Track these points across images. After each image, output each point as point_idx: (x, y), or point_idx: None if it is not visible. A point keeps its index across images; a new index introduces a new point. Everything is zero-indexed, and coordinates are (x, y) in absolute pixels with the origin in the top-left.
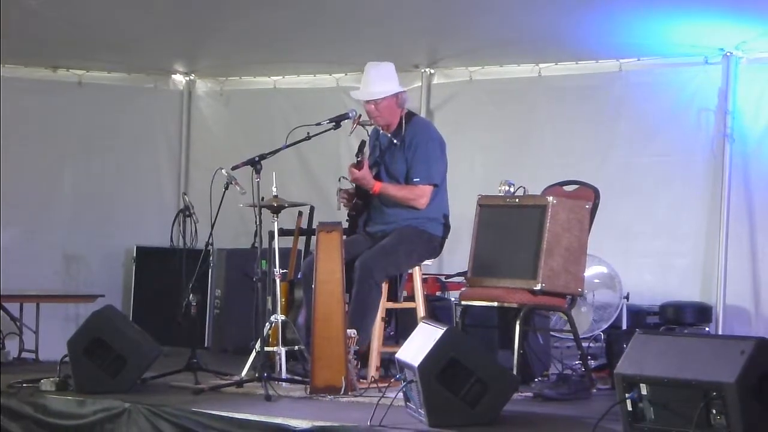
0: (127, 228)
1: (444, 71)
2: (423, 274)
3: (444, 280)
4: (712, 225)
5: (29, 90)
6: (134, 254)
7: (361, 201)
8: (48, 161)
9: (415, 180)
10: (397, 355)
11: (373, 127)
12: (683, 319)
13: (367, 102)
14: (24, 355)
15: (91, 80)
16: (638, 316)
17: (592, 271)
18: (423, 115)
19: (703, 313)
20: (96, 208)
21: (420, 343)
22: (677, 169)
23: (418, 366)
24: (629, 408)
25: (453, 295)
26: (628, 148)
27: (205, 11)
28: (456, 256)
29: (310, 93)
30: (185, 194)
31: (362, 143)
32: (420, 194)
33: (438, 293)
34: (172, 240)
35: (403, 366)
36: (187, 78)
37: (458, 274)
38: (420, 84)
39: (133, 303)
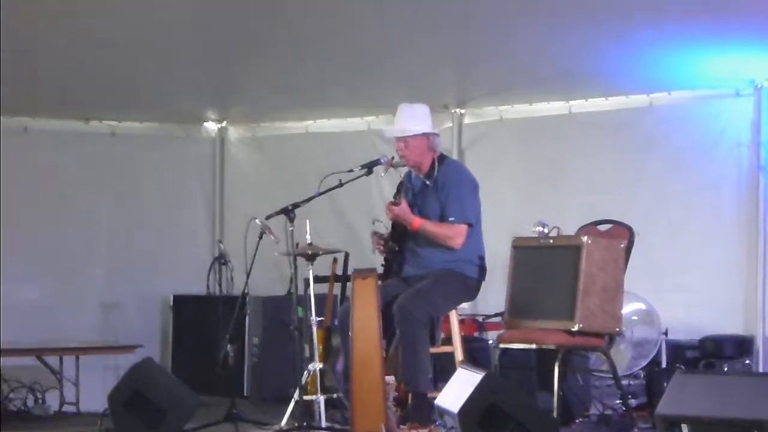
0: (163, 276)
1: (474, 111)
2: (459, 315)
3: (481, 321)
4: (748, 257)
5: (63, 142)
6: (171, 303)
7: (395, 244)
8: (83, 212)
9: (450, 219)
10: (436, 401)
11: (406, 169)
12: (723, 352)
13: (398, 140)
14: (65, 408)
15: (124, 131)
16: (677, 351)
17: (629, 308)
18: (455, 154)
19: (743, 345)
20: (132, 258)
21: (459, 389)
22: (709, 201)
23: (458, 412)
24: None
25: (490, 336)
26: (659, 182)
27: (234, 58)
28: (490, 295)
29: (342, 136)
30: (220, 242)
31: (400, 184)
32: (457, 233)
33: (476, 334)
34: (208, 288)
35: (442, 412)
36: (219, 125)
37: (495, 315)
38: (451, 124)
39: (172, 351)
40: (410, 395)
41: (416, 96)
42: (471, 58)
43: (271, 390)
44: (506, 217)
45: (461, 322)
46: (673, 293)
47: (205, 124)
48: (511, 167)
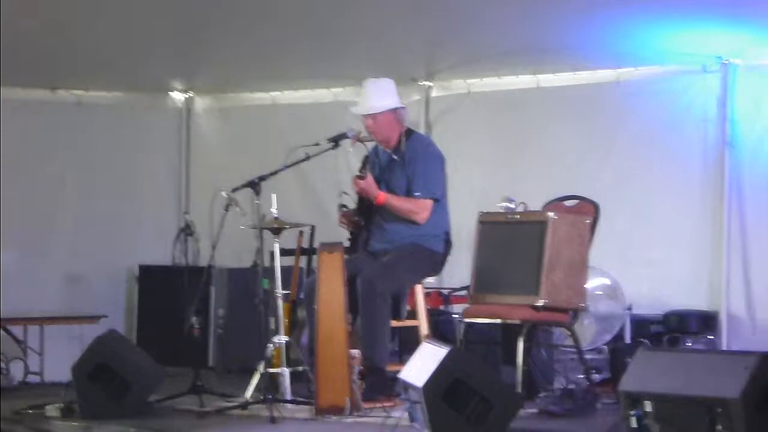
0: (128, 247)
1: (442, 84)
2: (425, 288)
3: (447, 294)
4: (712, 233)
5: (29, 111)
6: (136, 273)
7: (362, 219)
8: (48, 181)
9: (416, 194)
10: (400, 375)
11: (373, 143)
12: (687, 328)
13: (366, 116)
14: (29, 378)
15: (90, 100)
16: (642, 325)
17: (594, 282)
18: (422, 127)
19: (707, 321)
20: (98, 228)
21: (423, 363)
22: (675, 177)
23: (423, 387)
24: (634, 425)
25: (456, 308)
26: (625, 157)
27: (201, 28)
28: (456, 268)
29: (308, 108)
30: (186, 213)
31: (365, 158)
32: (422, 207)
33: (441, 307)
34: (174, 258)
35: (407, 386)
36: (186, 95)
37: (461, 288)
38: (419, 97)
39: (137, 321)
40: (367, 368)
41: (384, 68)
42: (439, 31)
43: (236, 361)
44: (473, 190)
45: (427, 295)
46: (638, 268)
47: (171, 94)
48: (479, 140)
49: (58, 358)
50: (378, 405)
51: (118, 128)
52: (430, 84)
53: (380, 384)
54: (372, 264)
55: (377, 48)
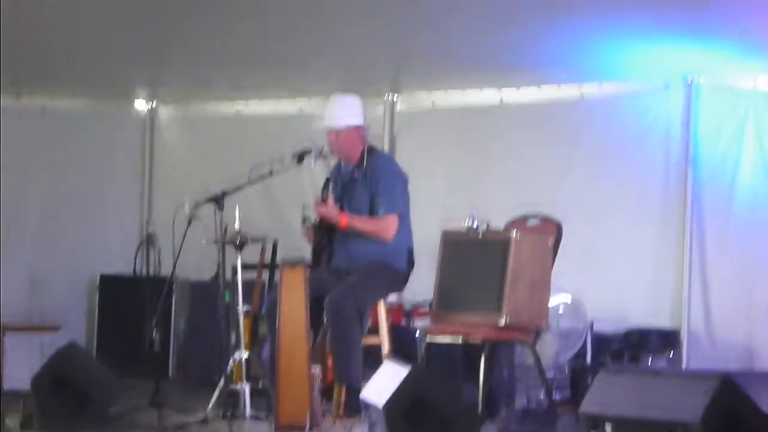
0: (91, 256)
1: (407, 97)
2: (387, 302)
3: (409, 309)
4: (674, 250)
5: None
6: (98, 282)
7: (324, 236)
8: (11, 188)
9: (379, 212)
10: (362, 394)
11: (335, 160)
12: (648, 345)
13: (329, 132)
14: None
15: (54, 107)
16: (603, 342)
17: (556, 300)
18: (386, 140)
19: (668, 338)
20: (60, 236)
21: (385, 382)
22: (637, 194)
23: (384, 406)
24: None
25: (418, 323)
26: (588, 173)
27: (166, 37)
28: (418, 282)
29: (273, 119)
30: (148, 223)
31: (327, 180)
32: (387, 226)
33: (403, 322)
34: (135, 268)
35: (368, 405)
36: (150, 104)
37: (423, 304)
38: (383, 110)
39: (97, 331)
40: (343, 390)
41: (349, 81)
42: (404, 45)
43: (197, 374)
44: (436, 204)
45: (389, 309)
46: (599, 285)
47: (136, 102)
48: (443, 154)
49: (17, 366)
50: (338, 423)
51: (81, 136)
52: (395, 97)
53: (358, 402)
54: (337, 285)
55: (342, 61)
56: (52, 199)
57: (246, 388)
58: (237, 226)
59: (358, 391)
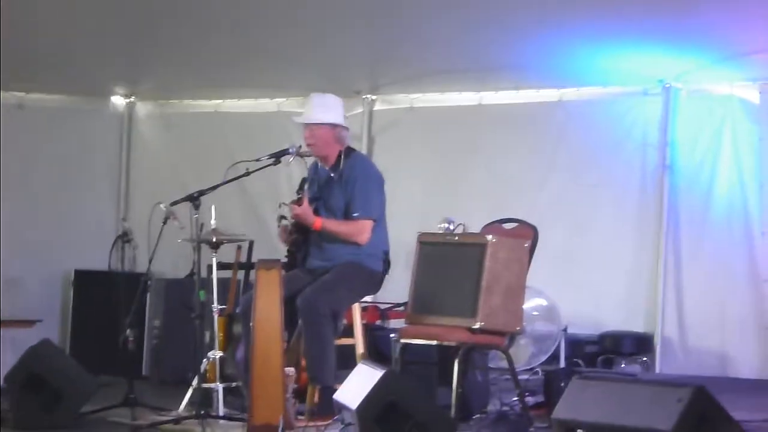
0: (65, 251)
1: (385, 98)
2: (362, 303)
3: (384, 309)
4: (649, 255)
5: None
6: (72, 278)
7: (300, 236)
8: None
9: (354, 215)
10: (335, 396)
11: (312, 160)
12: (622, 349)
13: (305, 127)
14: None
15: (32, 102)
16: (577, 346)
17: (531, 303)
18: (364, 141)
19: (641, 343)
20: (35, 231)
21: (358, 385)
22: (614, 199)
23: (356, 409)
24: None
25: (393, 323)
26: (565, 178)
27: (145, 33)
28: (393, 283)
29: (251, 117)
30: (124, 219)
31: (303, 180)
32: (361, 229)
33: (378, 322)
34: (110, 264)
35: (341, 407)
36: (128, 100)
37: (397, 305)
38: (361, 110)
39: (71, 327)
40: (316, 390)
41: (327, 80)
42: (383, 46)
43: (170, 373)
44: (413, 205)
45: (364, 309)
46: (575, 288)
47: (113, 98)
48: (420, 155)
49: None
50: (311, 424)
51: (58, 131)
52: (374, 98)
53: (331, 403)
54: (311, 284)
55: (321, 60)
56: (29, 194)
57: (220, 387)
58: (213, 224)
59: (332, 391)
